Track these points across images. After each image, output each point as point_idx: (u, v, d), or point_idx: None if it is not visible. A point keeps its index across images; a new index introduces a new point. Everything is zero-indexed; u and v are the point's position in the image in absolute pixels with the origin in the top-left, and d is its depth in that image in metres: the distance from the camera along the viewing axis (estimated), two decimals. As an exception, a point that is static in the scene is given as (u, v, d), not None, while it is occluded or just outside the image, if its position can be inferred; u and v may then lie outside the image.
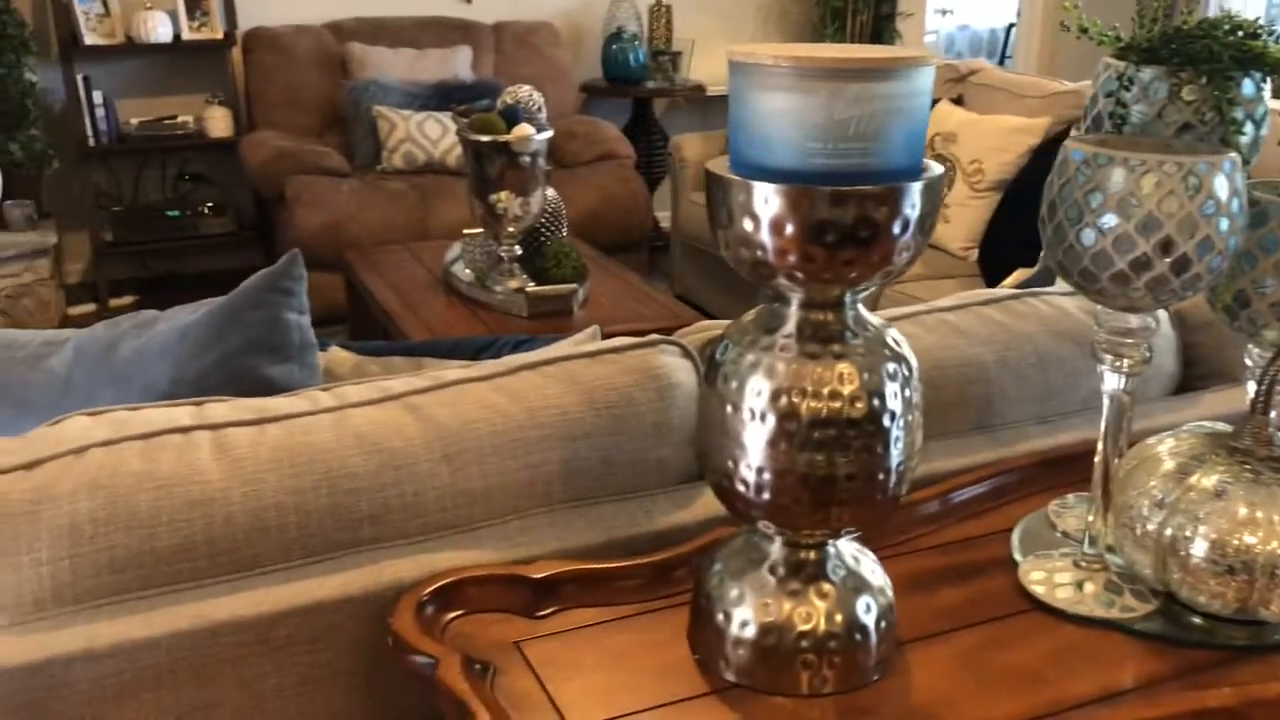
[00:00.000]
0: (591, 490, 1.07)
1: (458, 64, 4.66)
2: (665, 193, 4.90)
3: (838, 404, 0.80)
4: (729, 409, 0.82)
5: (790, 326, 0.82)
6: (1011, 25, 7.09)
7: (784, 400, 0.80)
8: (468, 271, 3.03)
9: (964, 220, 3.35)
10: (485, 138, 2.83)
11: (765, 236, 0.77)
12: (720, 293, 4.09)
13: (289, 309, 1.36)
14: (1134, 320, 0.91)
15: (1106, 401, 0.95)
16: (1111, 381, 0.94)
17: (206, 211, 4.53)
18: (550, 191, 3.04)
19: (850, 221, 0.75)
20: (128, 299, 4.49)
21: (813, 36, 5.45)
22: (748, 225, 0.77)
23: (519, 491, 1.05)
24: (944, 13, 6.73)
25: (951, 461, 1.19)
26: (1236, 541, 0.89)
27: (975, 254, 3.33)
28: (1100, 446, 0.98)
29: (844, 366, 0.80)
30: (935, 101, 3.60)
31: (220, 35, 4.52)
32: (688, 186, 4.27)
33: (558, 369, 1.12)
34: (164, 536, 0.94)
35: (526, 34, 4.91)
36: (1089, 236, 0.86)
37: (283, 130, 4.47)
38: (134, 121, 4.49)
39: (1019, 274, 3.20)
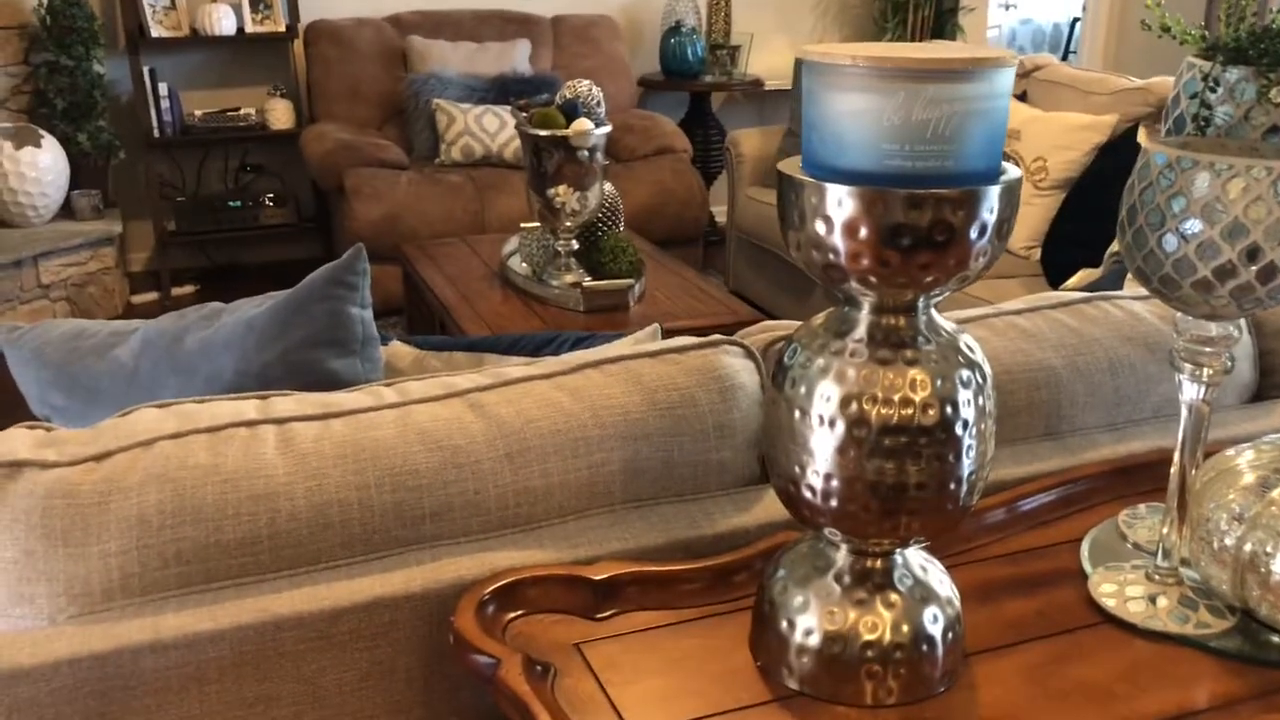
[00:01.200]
0: (652, 491, 1.07)
1: (516, 57, 4.67)
2: (721, 187, 4.88)
3: (909, 411, 0.78)
4: (797, 414, 0.81)
5: (861, 331, 0.81)
6: (1076, 20, 6.97)
7: (854, 406, 0.79)
8: (524, 265, 3.04)
9: (1026, 219, 3.30)
10: (544, 132, 2.83)
11: (838, 239, 0.75)
12: (775, 288, 4.07)
13: (352, 303, 1.37)
14: (1215, 328, 0.89)
15: (1185, 411, 0.93)
16: (1190, 391, 0.91)
17: (267, 202, 4.58)
18: (608, 186, 3.03)
19: (926, 225, 0.73)
20: (189, 288, 4.56)
21: (873, 32, 5.40)
22: (820, 228, 0.76)
23: (580, 491, 1.04)
24: (1007, 6, 6.63)
25: (1019, 469, 1.16)
26: (1320, 559, 0.86)
27: (1038, 253, 3.28)
28: (1177, 457, 0.95)
29: (916, 372, 0.79)
30: (999, 98, 3.55)
31: (283, 28, 4.57)
32: (744, 182, 4.25)
33: (620, 368, 1.11)
34: (229, 530, 0.94)
35: (585, 27, 4.91)
36: (1171, 242, 0.83)
37: (343, 122, 4.51)
38: (198, 113, 4.55)
39: (1083, 274, 3.14)
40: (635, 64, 5.08)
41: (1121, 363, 1.25)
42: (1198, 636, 0.91)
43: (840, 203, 0.75)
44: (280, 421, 1.03)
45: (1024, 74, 3.71)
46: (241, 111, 4.59)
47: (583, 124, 2.84)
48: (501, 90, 4.47)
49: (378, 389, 1.12)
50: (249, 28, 4.53)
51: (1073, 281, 3.11)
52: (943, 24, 5.30)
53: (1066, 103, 3.43)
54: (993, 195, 0.75)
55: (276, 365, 1.34)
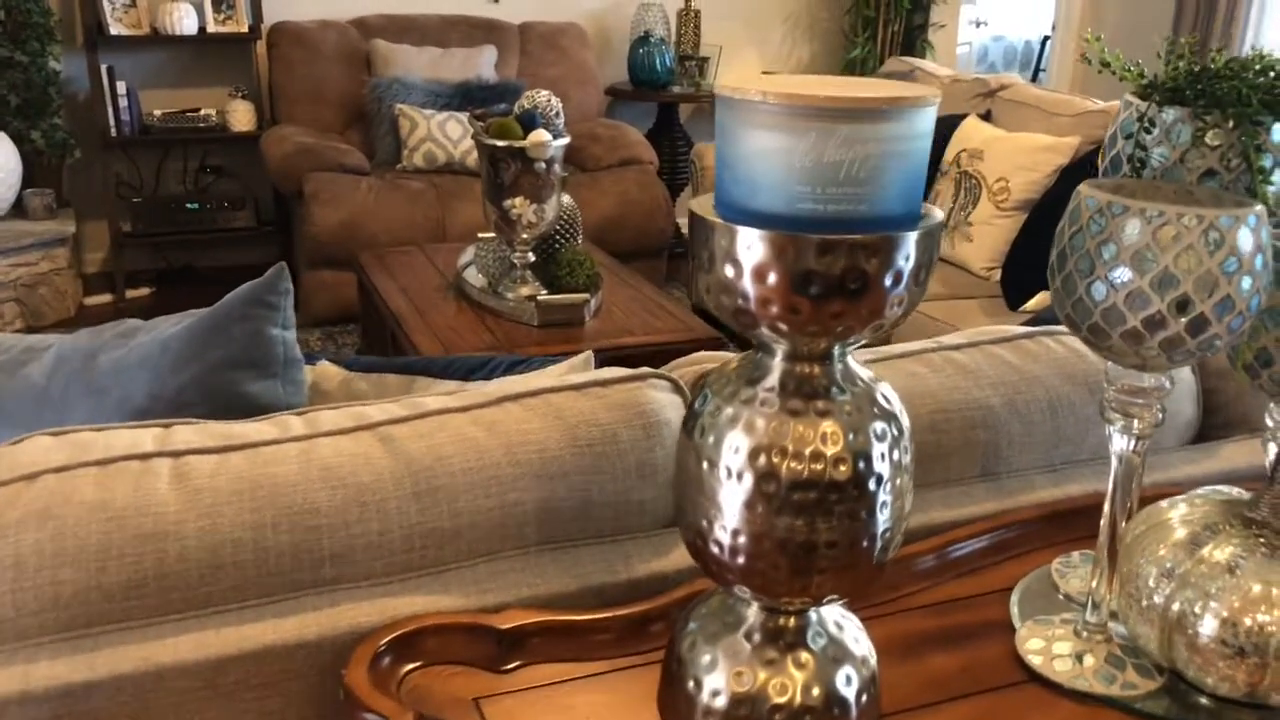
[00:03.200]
0: (568, 533, 1.02)
1: (482, 64, 4.62)
2: (689, 199, 4.84)
3: (820, 466, 0.74)
4: (705, 465, 0.77)
5: (773, 379, 0.76)
6: (1047, 38, 6.99)
7: (763, 459, 0.74)
8: (480, 277, 2.99)
9: (987, 239, 3.28)
10: (501, 143, 2.79)
11: (747, 284, 0.71)
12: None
13: (273, 323, 1.32)
14: (1147, 379, 0.85)
15: (1115, 461, 0.89)
16: (1120, 443, 0.88)
17: (226, 205, 4.51)
18: (566, 198, 2.99)
19: (838, 272, 0.70)
20: (144, 290, 4.48)
21: (843, 45, 5.38)
22: (729, 272, 0.72)
23: (491, 532, 1.00)
24: (979, 24, 6.64)
25: (951, 512, 1.13)
26: (1249, 621, 0.83)
27: (998, 274, 3.26)
28: (1106, 508, 0.92)
29: (828, 425, 0.75)
30: (962, 117, 3.53)
31: (245, 28, 4.50)
32: (709, 194, 4.21)
33: (541, 402, 1.06)
34: (113, 571, 0.89)
35: (553, 35, 4.86)
36: (1100, 290, 0.80)
37: (305, 126, 4.44)
38: (157, 113, 4.48)
39: (1042, 297, 3.13)
40: (603, 73, 5.04)
41: (1062, 402, 1.22)
42: (1124, 698, 0.88)
43: (750, 246, 0.71)
44: (176, 454, 0.98)
45: (989, 93, 3.70)
46: (202, 112, 4.52)
47: (540, 135, 2.80)
48: (465, 97, 4.42)
49: (286, 419, 1.07)
50: (211, 27, 4.46)
51: (1032, 304, 3.09)
52: (912, 40, 5.30)
53: (1030, 123, 3.42)
54: (910, 241, 0.71)
55: (191, 388, 1.28)
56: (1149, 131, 0.86)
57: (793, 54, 5.48)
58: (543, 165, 2.82)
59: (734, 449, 0.75)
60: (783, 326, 0.72)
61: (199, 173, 4.71)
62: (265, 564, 0.93)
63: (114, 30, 4.31)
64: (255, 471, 0.97)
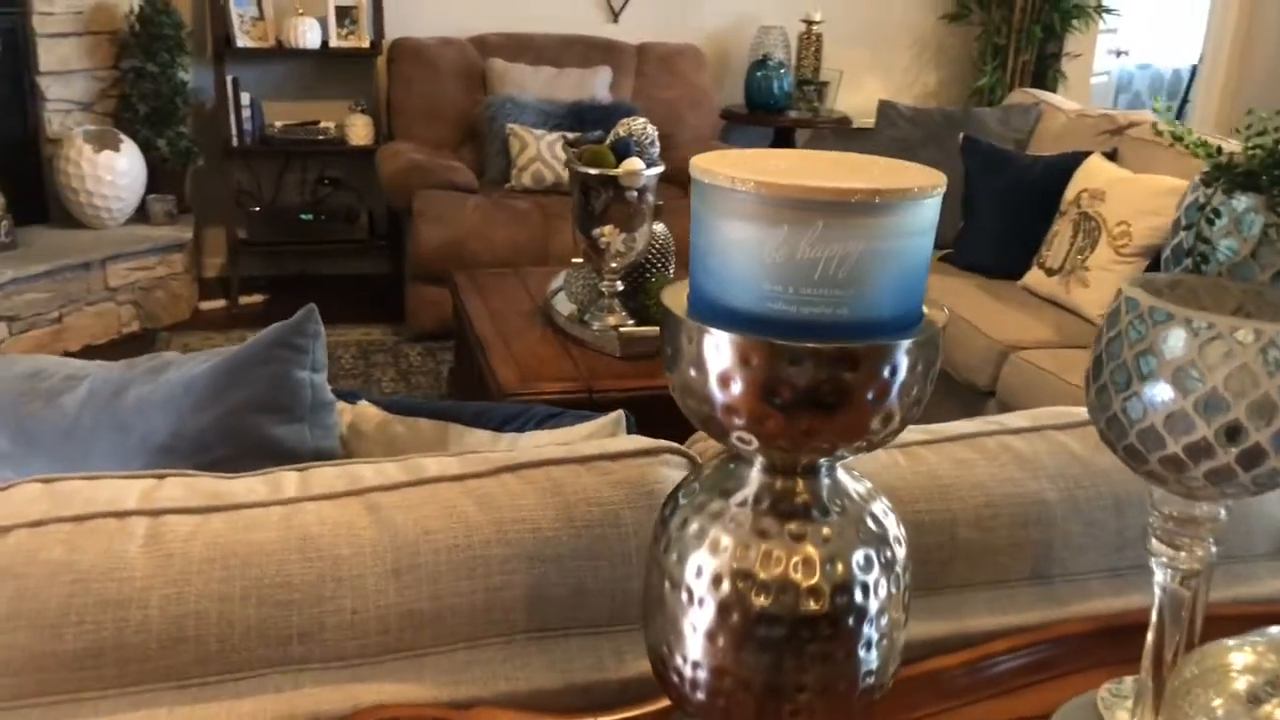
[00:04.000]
0: (559, 621, 0.95)
1: (596, 85, 4.59)
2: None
3: (790, 597, 0.65)
4: (667, 584, 0.69)
5: (748, 492, 0.68)
6: (1195, 68, 6.64)
7: (726, 586, 0.66)
8: (568, 304, 2.95)
9: (1105, 286, 3.09)
10: (593, 170, 2.74)
11: (713, 389, 0.63)
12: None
13: (299, 366, 1.28)
14: (1199, 508, 0.74)
15: (1158, 593, 0.78)
16: (1163, 576, 0.77)
17: (340, 217, 4.58)
18: (659, 227, 2.93)
19: (810, 384, 0.61)
20: (257, 297, 4.57)
21: (971, 74, 5.20)
22: (693, 373, 0.64)
23: (474, 617, 0.93)
24: (1119, 53, 6.34)
25: (993, 619, 1.02)
26: (1307, 800, 0.71)
27: (1116, 324, 3.07)
28: (1150, 639, 0.80)
29: (803, 551, 0.66)
30: (1085, 155, 3.35)
31: (367, 44, 4.57)
32: (818, 225, 4.10)
33: (541, 474, 1.00)
34: (70, 638, 0.85)
35: (670, 57, 4.81)
36: (1136, 408, 0.69)
37: (420, 142, 4.48)
38: (278, 124, 4.58)
39: (1161, 351, 2.93)
40: (719, 96, 4.97)
41: (1130, 500, 1.10)
42: None
43: (717, 348, 0.63)
44: (155, 513, 0.94)
45: (1116, 130, 3.50)
46: (321, 125, 4.61)
47: (633, 164, 2.74)
48: (577, 117, 4.40)
49: (281, 476, 1.03)
50: (333, 42, 4.54)
51: (1149, 358, 2.90)
52: (1044, 70, 5.08)
53: (1159, 164, 3.22)
54: (899, 352, 0.62)
55: (212, 430, 1.26)
56: (1211, 223, 0.74)
57: (918, 81, 5.32)
58: (634, 194, 2.76)
59: (697, 570, 0.67)
60: (750, 439, 0.64)
61: (317, 184, 4.80)
62: (229, 639, 0.88)
63: (241, 43, 4.42)
64: (233, 537, 0.92)
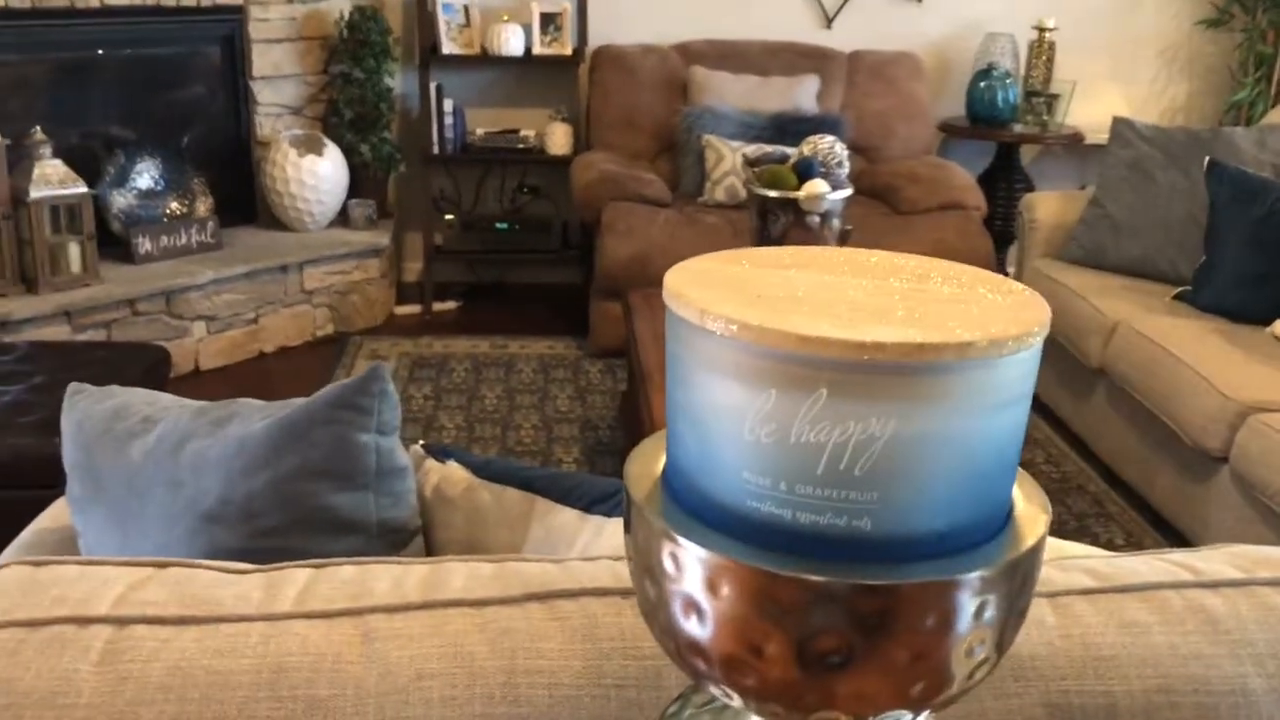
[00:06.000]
0: (573, 803, 0.76)
1: (801, 94, 4.36)
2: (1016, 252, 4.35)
3: None
4: None
5: (743, 744, 0.47)
6: None
7: None
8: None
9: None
10: (772, 193, 2.53)
11: (674, 616, 0.43)
12: (1054, 377, 3.53)
13: (362, 429, 1.14)
14: None
15: None
16: None
17: (536, 227, 4.53)
18: (845, 256, 2.68)
19: (803, 635, 0.40)
20: (450, 304, 4.57)
21: (1229, 87, 4.66)
22: (648, 586, 0.44)
23: (467, 789, 0.75)
24: None
25: None
26: None
27: (1386, 386, 2.61)
28: None
29: None
30: (1359, 186, 2.87)
31: (569, 51, 4.49)
32: (1035, 251, 3.74)
33: (577, 608, 0.81)
34: (-9, 777, 0.73)
35: (884, 65, 4.52)
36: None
37: (617, 151, 4.37)
38: (479, 131, 4.56)
39: None
40: (937, 107, 4.63)
41: (1370, 698, 0.81)
42: None
43: (675, 558, 0.42)
44: (123, 622, 0.80)
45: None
46: (521, 133, 4.56)
47: (815, 186, 2.51)
48: (779, 129, 4.18)
49: (289, 575, 0.88)
50: (537, 49, 4.48)
51: None
52: (1316, 82, 4.49)
53: None
54: (959, 592, 0.40)
55: (263, 496, 1.13)
56: None
57: (1165, 93, 4.82)
58: (817, 219, 2.53)
59: None
60: (731, 694, 0.43)
61: (516, 192, 4.76)
62: (170, 793, 0.73)
63: (447, 49, 4.42)
64: (199, 661, 0.77)
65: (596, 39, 4.58)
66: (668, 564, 0.42)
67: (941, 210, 4.06)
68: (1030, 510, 0.44)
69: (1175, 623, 0.84)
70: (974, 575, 0.40)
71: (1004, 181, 4.58)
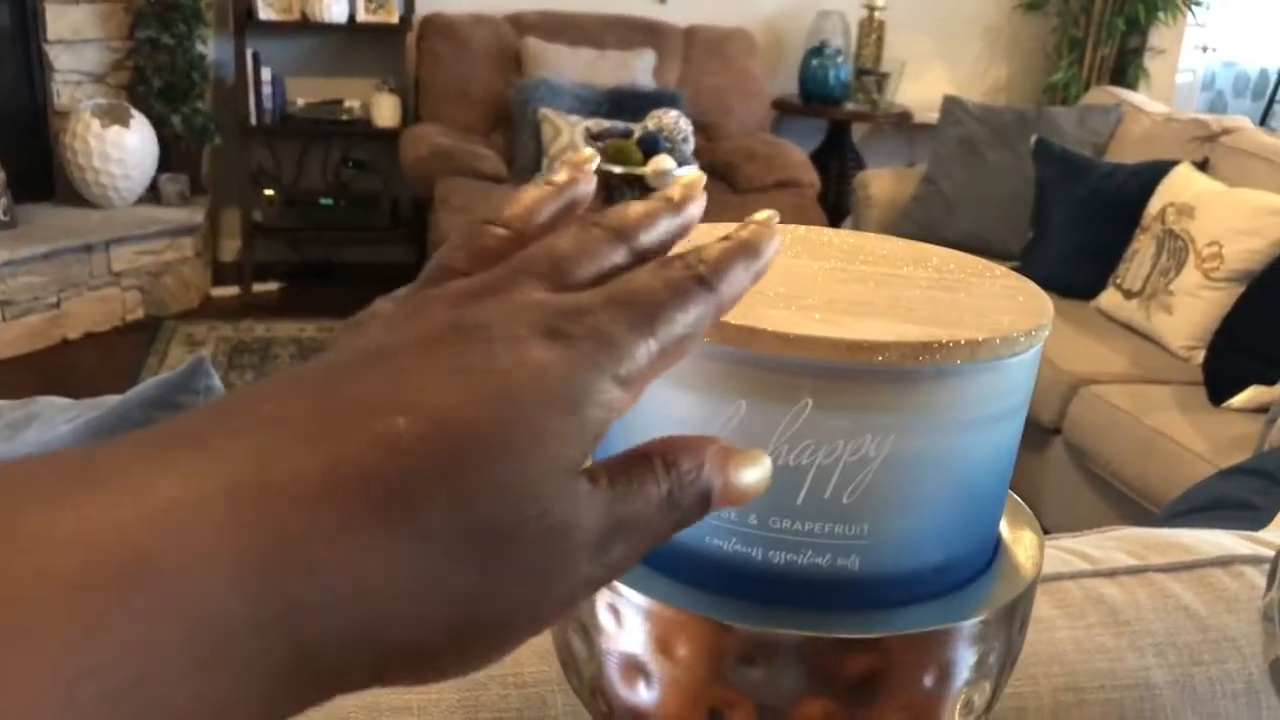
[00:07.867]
0: None
1: (639, 69, 4.29)
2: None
3: None
4: None
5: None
6: (1286, 68, 6.20)
7: None
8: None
9: (1191, 313, 2.76)
10: (616, 169, 2.45)
11: (612, 680, 0.35)
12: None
13: (186, 431, 1.01)
14: None
15: None
16: None
17: (363, 203, 4.33)
18: (690, 233, 2.64)
19: (776, 702, 0.32)
20: (273, 285, 4.34)
21: (1045, 68, 4.83)
22: (577, 644, 0.36)
23: None
24: (1205, 49, 5.92)
25: None
26: None
27: (1200, 356, 2.73)
28: None
29: None
30: (1173, 164, 3.00)
31: (396, 19, 4.31)
32: (870, 228, 3.78)
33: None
34: None
35: (719, 41, 4.50)
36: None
37: (449, 125, 4.22)
38: (300, 102, 4.33)
39: (1254, 392, 2.59)
40: (771, 84, 4.65)
41: (1269, 684, 0.79)
42: None
43: (614, 610, 0.34)
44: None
45: (1209, 137, 3.14)
46: (345, 104, 4.36)
47: (662, 162, 2.46)
48: (616, 104, 4.10)
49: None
50: (361, 16, 4.28)
51: (1239, 400, 2.57)
52: (1125, 65, 4.71)
53: (1258, 178, 2.87)
54: (956, 643, 0.33)
55: (69, 509, 0.99)
56: None
57: (988, 73, 4.96)
58: (662, 196, 2.47)
59: None
60: (678, 768, 0.35)
61: (341, 166, 4.55)
62: None
63: (263, 15, 4.18)
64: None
65: (424, 7, 4.40)
66: (604, 618, 0.34)
67: (778, 188, 4.07)
68: (1017, 533, 0.38)
69: (1077, 615, 0.80)
70: (974, 623, 0.33)
71: (836, 159, 4.64)
